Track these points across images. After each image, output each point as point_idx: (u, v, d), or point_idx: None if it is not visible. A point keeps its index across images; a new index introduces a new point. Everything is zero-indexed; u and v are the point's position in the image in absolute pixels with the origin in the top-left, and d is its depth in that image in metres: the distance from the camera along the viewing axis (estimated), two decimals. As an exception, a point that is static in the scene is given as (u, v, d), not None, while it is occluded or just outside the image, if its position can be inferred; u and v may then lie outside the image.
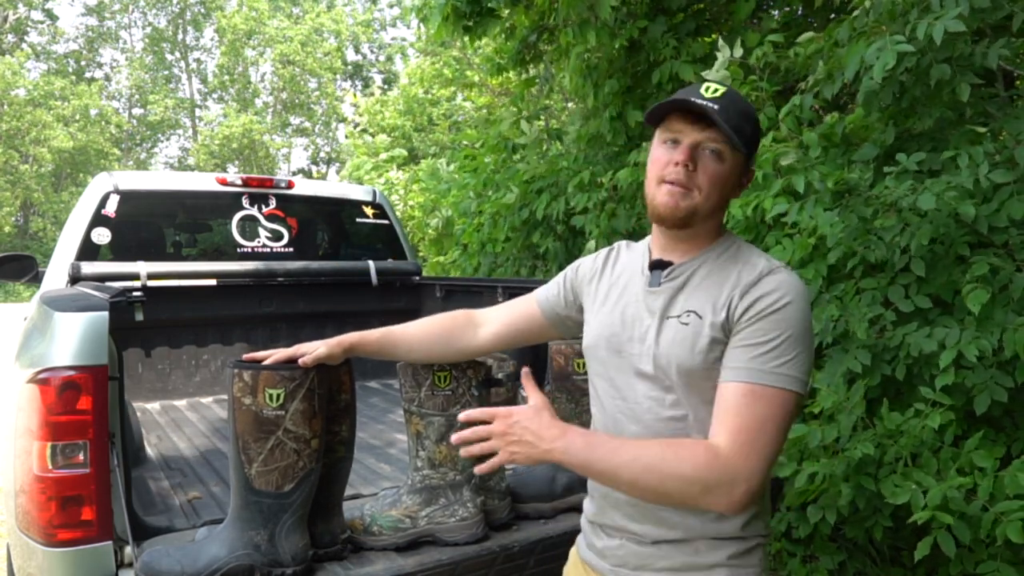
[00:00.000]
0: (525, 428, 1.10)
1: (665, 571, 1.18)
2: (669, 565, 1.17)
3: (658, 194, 1.18)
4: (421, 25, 5.01)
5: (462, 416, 1.12)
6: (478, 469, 1.13)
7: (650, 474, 1.06)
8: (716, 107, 1.12)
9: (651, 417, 1.17)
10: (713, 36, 4.09)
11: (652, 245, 1.28)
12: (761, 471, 1.06)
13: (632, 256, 1.32)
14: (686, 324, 1.15)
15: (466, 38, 4.85)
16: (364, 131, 13.59)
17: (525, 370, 1.15)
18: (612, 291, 1.30)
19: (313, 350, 1.48)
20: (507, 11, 4.69)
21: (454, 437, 1.17)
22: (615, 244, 1.40)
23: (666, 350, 1.16)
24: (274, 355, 1.49)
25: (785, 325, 1.09)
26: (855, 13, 2.48)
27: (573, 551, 1.38)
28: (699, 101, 1.12)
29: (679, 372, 1.14)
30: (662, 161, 1.17)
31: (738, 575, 1.15)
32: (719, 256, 1.20)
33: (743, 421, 1.06)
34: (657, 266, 1.22)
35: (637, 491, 1.10)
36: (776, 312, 1.10)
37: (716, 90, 1.14)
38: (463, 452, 1.15)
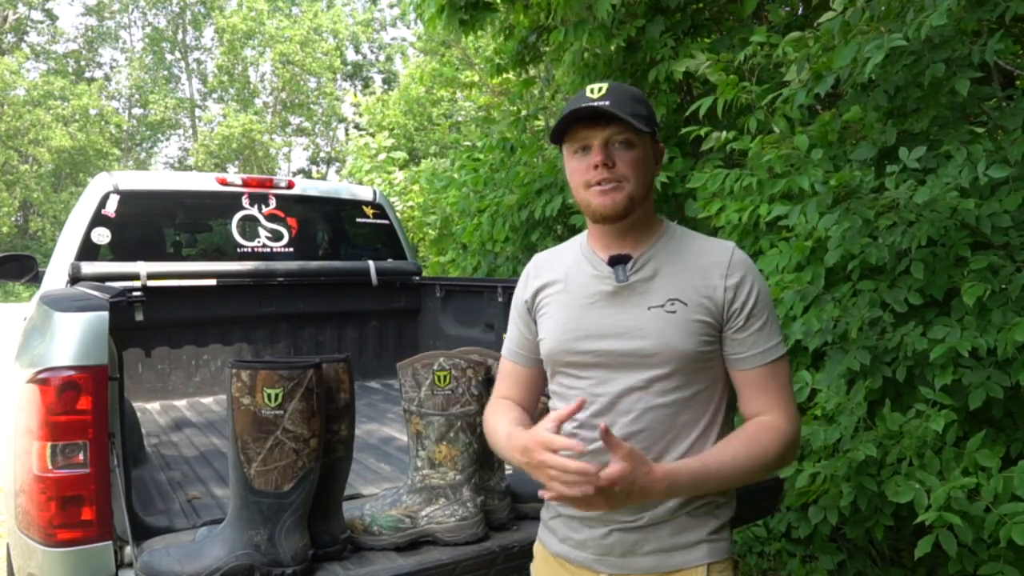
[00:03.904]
0: (629, 493, 1.08)
1: (651, 554, 1.23)
2: (656, 548, 1.23)
3: (591, 198, 1.23)
4: (420, 24, 4.98)
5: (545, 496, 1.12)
6: (544, 494, 1.12)
7: (747, 473, 1.19)
8: (607, 103, 1.19)
9: (643, 406, 1.21)
10: (713, 36, 4.08)
11: (594, 245, 1.30)
12: (800, 423, 1.27)
13: (566, 261, 1.33)
14: (673, 312, 1.21)
15: (464, 36, 4.84)
16: (364, 132, 13.60)
17: (603, 425, 1.06)
18: (563, 296, 1.30)
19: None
20: (504, 6, 4.68)
21: (546, 495, 1.11)
22: (528, 265, 1.41)
23: (660, 338, 1.19)
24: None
25: (765, 302, 1.25)
26: (848, 12, 2.46)
27: (539, 549, 1.39)
28: (592, 104, 1.19)
29: (676, 356, 1.20)
30: (581, 169, 1.24)
31: (716, 548, 1.25)
32: (670, 240, 1.28)
33: (779, 394, 1.24)
34: (618, 261, 1.25)
35: (732, 486, 1.25)
36: (759, 295, 1.24)
37: (600, 89, 1.22)
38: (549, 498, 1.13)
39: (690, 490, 1.17)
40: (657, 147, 1.29)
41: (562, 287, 1.32)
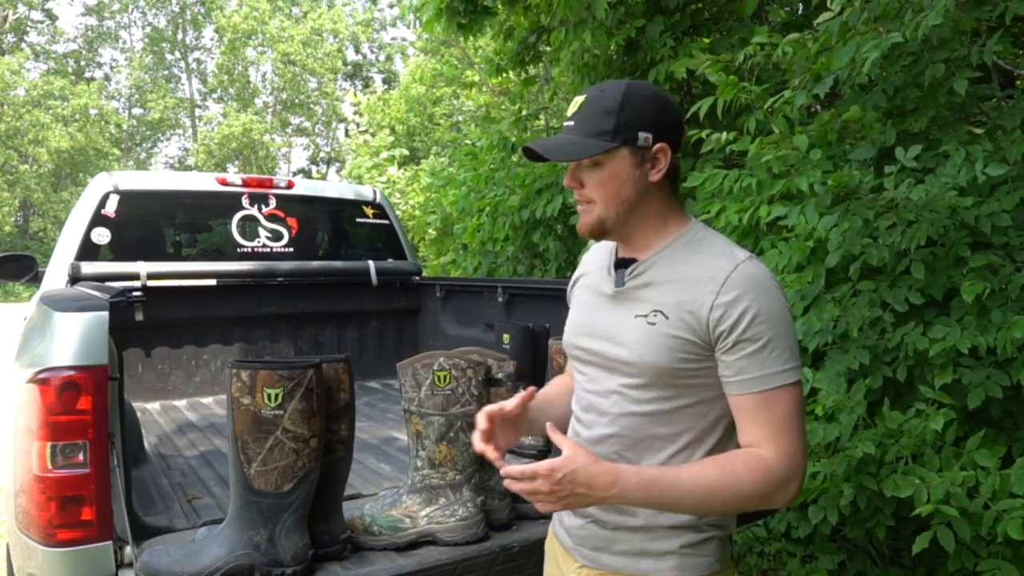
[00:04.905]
0: (573, 482, 1.08)
1: (620, 554, 1.23)
2: (625, 549, 1.23)
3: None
4: (419, 23, 4.99)
5: (504, 472, 1.11)
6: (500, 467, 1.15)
7: (712, 499, 1.12)
8: (571, 123, 1.19)
9: (617, 411, 1.22)
10: (713, 36, 4.08)
11: (618, 246, 1.32)
12: (804, 462, 1.15)
13: (600, 254, 1.37)
14: (653, 324, 1.18)
15: (463, 37, 4.84)
16: (365, 131, 13.60)
17: (550, 425, 1.14)
18: (585, 291, 1.35)
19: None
20: (503, 9, 4.68)
21: (507, 484, 1.12)
22: (591, 249, 1.45)
23: (637, 349, 1.19)
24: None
25: (767, 324, 1.13)
26: (846, 12, 2.46)
27: (550, 527, 1.43)
28: (538, 148, 1.19)
29: (651, 370, 1.18)
30: None
31: (689, 563, 1.20)
32: (678, 248, 1.23)
33: (773, 426, 1.13)
34: (621, 265, 1.27)
35: (699, 513, 1.17)
36: (756, 316, 1.12)
37: (577, 104, 1.21)
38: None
39: (642, 497, 1.11)
40: (648, 152, 1.18)
41: (586, 281, 1.36)
